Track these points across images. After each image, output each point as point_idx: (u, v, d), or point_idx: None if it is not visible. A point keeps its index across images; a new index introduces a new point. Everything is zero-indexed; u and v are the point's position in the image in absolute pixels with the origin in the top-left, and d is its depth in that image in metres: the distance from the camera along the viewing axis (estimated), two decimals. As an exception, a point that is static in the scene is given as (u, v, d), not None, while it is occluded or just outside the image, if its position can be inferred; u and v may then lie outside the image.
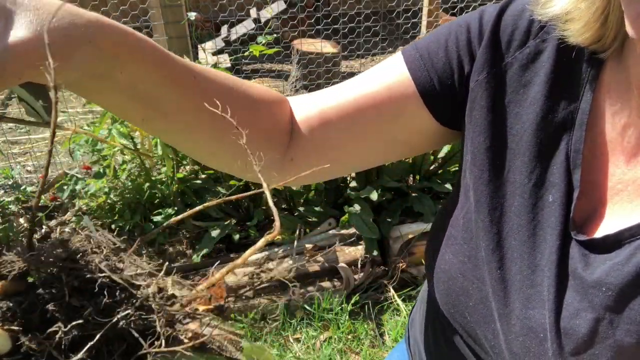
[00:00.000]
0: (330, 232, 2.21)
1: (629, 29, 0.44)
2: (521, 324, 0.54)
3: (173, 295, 0.31)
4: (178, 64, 0.49)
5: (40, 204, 2.46)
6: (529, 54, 0.56)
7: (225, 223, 2.21)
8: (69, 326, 0.29)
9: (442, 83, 0.59)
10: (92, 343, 0.28)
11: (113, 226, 2.29)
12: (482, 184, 0.57)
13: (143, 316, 0.30)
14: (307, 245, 2.12)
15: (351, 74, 4.45)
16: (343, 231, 2.19)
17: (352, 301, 2.00)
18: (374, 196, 2.13)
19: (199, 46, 4.11)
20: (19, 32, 0.37)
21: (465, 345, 0.65)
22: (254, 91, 0.58)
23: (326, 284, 2.06)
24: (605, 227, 0.52)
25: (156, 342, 0.28)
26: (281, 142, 0.62)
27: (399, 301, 2.02)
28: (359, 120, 0.61)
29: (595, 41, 0.51)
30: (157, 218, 2.21)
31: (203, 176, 2.30)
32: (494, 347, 0.58)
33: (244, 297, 1.99)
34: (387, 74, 0.61)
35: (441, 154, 2.35)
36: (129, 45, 0.44)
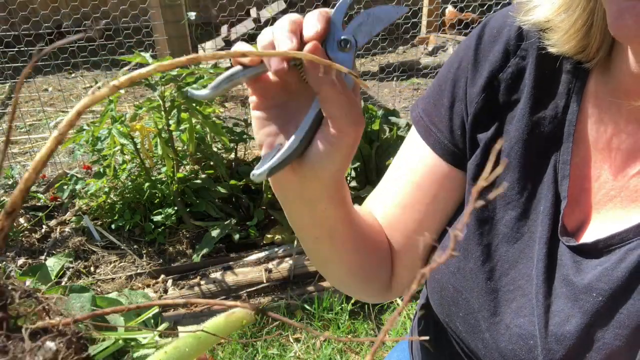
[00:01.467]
0: (330, 231, 2.21)
1: (610, 28, 0.44)
2: (510, 332, 0.54)
3: None
4: (351, 205, 0.58)
5: (40, 204, 2.46)
6: (512, 74, 0.57)
7: (225, 223, 2.21)
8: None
9: (455, 143, 0.62)
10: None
11: (113, 226, 2.29)
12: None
13: None
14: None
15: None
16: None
17: (352, 301, 2.00)
18: (374, 196, 2.13)
19: (198, 46, 4.11)
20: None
21: (462, 354, 0.65)
22: (373, 230, 0.65)
23: (326, 283, 2.06)
24: (597, 233, 0.52)
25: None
26: (388, 263, 0.68)
27: (399, 301, 2.02)
28: (421, 209, 0.65)
29: (580, 51, 0.52)
30: (157, 218, 2.21)
31: (203, 176, 2.30)
32: (486, 357, 0.59)
33: (243, 297, 1.99)
34: (421, 158, 0.64)
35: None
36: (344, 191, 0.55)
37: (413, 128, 0.66)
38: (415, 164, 0.64)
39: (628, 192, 0.52)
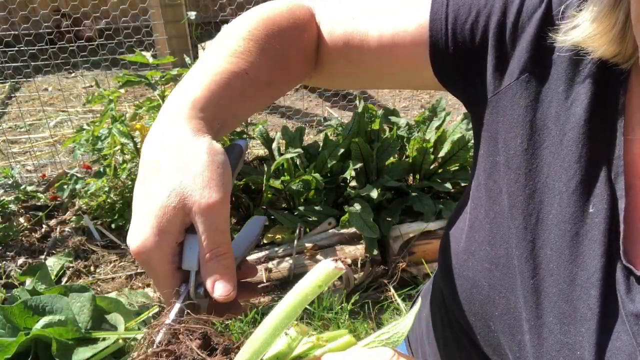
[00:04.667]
0: (330, 231, 2.21)
1: (636, 33, 0.44)
2: (555, 338, 0.51)
3: None
4: (248, 87, 0.57)
5: (40, 203, 2.46)
6: (571, 52, 0.52)
7: (225, 222, 2.21)
8: None
9: (457, 53, 0.58)
10: None
11: (113, 225, 2.29)
12: (518, 188, 0.54)
13: None
14: (307, 245, 2.12)
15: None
16: (343, 230, 2.19)
17: (352, 300, 2.00)
18: (374, 194, 2.13)
19: (198, 46, 4.10)
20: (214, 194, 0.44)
21: (482, 356, 0.62)
22: (285, 44, 0.61)
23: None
24: None
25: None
26: (312, 59, 0.65)
27: (399, 300, 2.02)
28: (382, 60, 0.62)
29: (615, 55, 0.50)
30: (157, 217, 2.21)
31: (203, 175, 2.30)
32: (519, 359, 0.55)
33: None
34: (411, 17, 0.60)
35: (441, 154, 2.35)
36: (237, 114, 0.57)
37: None
38: (402, 21, 0.60)
39: None
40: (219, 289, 0.44)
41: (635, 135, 0.51)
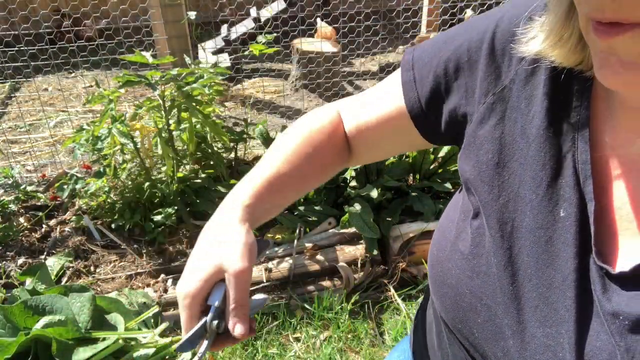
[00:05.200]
0: (330, 231, 2.21)
1: (597, 75, 0.46)
2: (538, 342, 0.53)
3: None
4: (285, 185, 0.72)
5: (40, 203, 2.46)
6: (529, 67, 0.56)
7: (225, 222, 2.20)
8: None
9: (430, 108, 0.66)
10: None
11: (113, 225, 2.29)
12: (492, 199, 0.58)
13: None
14: (307, 245, 2.12)
15: (351, 74, 4.45)
16: (343, 230, 2.19)
17: (352, 300, 2.00)
18: (374, 194, 2.13)
19: (198, 45, 4.10)
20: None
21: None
22: (320, 147, 0.76)
23: (326, 283, 2.06)
24: (625, 254, 0.50)
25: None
26: (345, 150, 0.79)
27: (399, 300, 2.02)
28: (383, 134, 0.74)
29: (578, 63, 0.52)
30: (157, 217, 2.21)
31: (203, 175, 2.30)
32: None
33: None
34: (395, 92, 0.70)
35: (441, 154, 2.35)
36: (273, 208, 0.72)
37: (399, 70, 0.71)
38: (391, 100, 0.71)
39: None
40: (238, 329, 0.60)
41: (603, 138, 0.53)
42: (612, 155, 0.53)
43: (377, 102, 0.73)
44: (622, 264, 0.49)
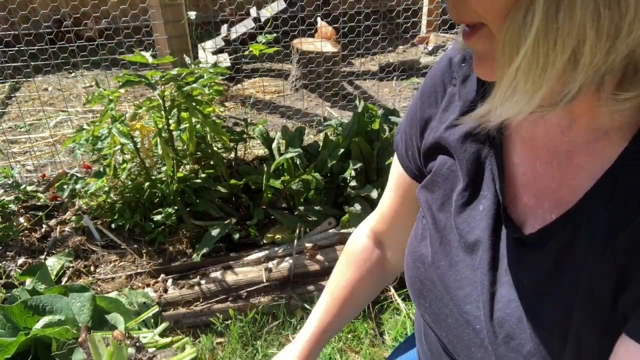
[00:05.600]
0: (330, 231, 2.21)
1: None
2: (462, 318, 0.61)
3: None
4: (336, 313, 0.88)
5: (40, 203, 2.47)
6: (450, 93, 0.66)
7: (225, 222, 2.21)
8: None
9: (421, 171, 0.73)
10: None
11: (113, 225, 2.29)
12: (434, 201, 0.68)
13: None
14: (307, 245, 2.12)
15: (351, 74, 4.44)
16: (343, 230, 2.19)
17: (352, 300, 2.00)
18: (374, 194, 2.13)
19: (198, 45, 4.11)
20: None
21: (443, 349, 0.72)
22: (364, 289, 0.89)
23: (326, 283, 2.06)
24: (534, 225, 0.57)
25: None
26: (382, 270, 0.89)
27: (399, 300, 2.02)
28: (406, 211, 0.81)
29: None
30: (157, 217, 2.22)
31: (203, 175, 2.30)
32: (449, 344, 0.66)
33: (243, 297, 2.00)
34: (396, 171, 0.80)
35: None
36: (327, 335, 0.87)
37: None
38: (397, 182, 0.81)
39: (559, 184, 0.56)
40: None
41: (513, 139, 0.60)
42: (528, 145, 0.59)
43: (388, 188, 0.83)
44: (530, 228, 0.57)
